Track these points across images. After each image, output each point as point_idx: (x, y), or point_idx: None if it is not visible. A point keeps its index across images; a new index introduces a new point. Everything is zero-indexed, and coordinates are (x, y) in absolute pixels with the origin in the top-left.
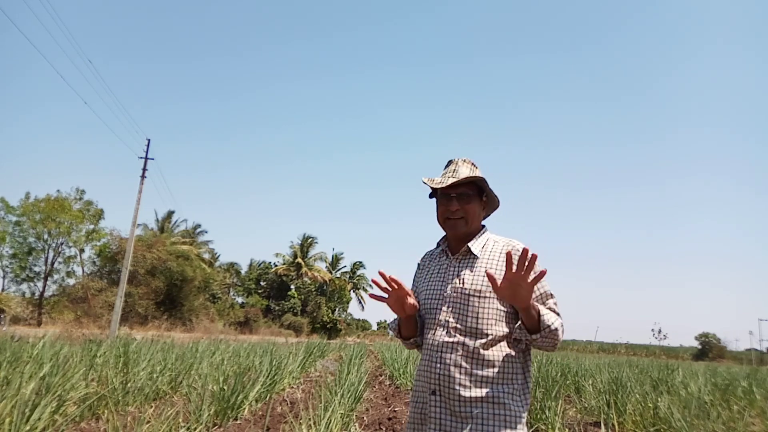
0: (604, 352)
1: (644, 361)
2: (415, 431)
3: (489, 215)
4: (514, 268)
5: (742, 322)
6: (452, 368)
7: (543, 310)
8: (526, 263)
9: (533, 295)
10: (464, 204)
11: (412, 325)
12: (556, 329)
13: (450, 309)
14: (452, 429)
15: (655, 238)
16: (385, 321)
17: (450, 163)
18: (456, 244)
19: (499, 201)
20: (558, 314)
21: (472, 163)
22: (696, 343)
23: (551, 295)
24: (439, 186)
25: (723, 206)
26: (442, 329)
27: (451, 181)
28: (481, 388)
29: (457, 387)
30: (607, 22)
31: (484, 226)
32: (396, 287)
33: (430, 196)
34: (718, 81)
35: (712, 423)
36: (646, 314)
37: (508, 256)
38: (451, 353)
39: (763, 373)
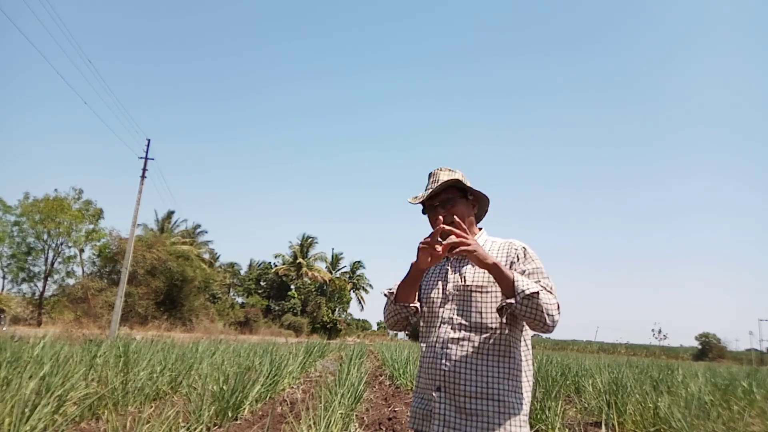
0: (604, 352)
1: (644, 361)
2: (419, 427)
3: (484, 213)
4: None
5: (742, 322)
6: (458, 364)
7: (518, 276)
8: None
9: (526, 270)
10: (450, 208)
11: (414, 289)
12: (532, 294)
13: (454, 305)
14: (457, 425)
15: (655, 239)
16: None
17: (430, 175)
18: None
19: (487, 197)
20: (550, 292)
21: (449, 169)
22: (696, 343)
23: (547, 276)
24: (422, 200)
25: (723, 206)
26: (446, 326)
27: (428, 192)
28: (486, 383)
29: (462, 383)
30: (607, 22)
31: (481, 228)
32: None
33: (423, 212)
34: (719, 81)
35: (712, 423)
36: (646, 314)
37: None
38: (457, 349)
39: (763, 373)
